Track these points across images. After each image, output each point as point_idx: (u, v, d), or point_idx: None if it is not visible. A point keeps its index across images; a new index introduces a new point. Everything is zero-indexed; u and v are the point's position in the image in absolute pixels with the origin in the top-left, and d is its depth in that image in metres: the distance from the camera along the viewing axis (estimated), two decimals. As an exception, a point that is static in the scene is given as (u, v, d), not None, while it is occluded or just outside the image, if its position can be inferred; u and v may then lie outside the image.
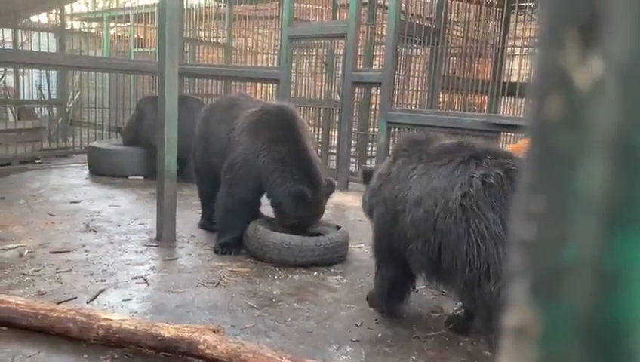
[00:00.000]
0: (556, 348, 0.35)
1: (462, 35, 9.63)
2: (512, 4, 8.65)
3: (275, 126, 4.82)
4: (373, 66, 9.08)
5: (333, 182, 4.99)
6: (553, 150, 0.34)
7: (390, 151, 3.69)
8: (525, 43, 9.58)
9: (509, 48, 10.02)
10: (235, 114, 5.17)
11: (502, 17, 9.61)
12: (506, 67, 10.20)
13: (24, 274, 4.05)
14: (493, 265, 2.66)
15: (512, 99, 10.31)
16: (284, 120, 4.89)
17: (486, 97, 9.44)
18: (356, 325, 3.58)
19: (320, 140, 8.99)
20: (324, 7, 11.05)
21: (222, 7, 11.44)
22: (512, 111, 10.50)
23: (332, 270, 4.61)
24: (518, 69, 9.97)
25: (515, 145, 4.78)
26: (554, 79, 0.34)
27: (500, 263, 2.64)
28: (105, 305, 3.63)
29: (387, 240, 3.41)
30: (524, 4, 9.36)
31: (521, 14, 9.68)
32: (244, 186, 4.80)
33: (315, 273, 4.51)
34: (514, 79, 9.75)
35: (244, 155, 4.79)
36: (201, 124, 5.58)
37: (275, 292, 4.04)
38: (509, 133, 8.16)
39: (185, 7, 11.00)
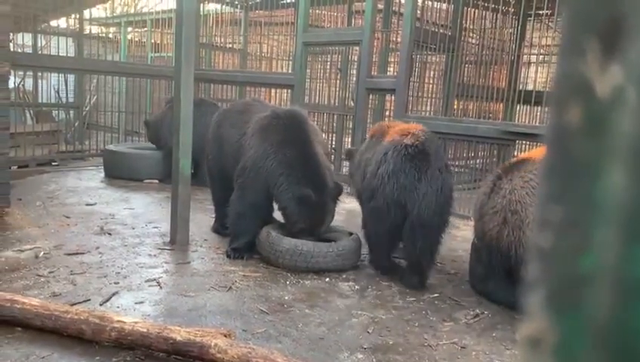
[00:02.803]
0: (573, 359, 0.35)
1: (477, 42, 9.59)
2: (529, 12, 8.60)
3: (284, 129, 4.84)
4: (388, 73, 9.07)
5: (340, 186, 4.96)
6: (573, 159, 0.34)
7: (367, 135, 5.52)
8: (541, 51, 9.52)
9: (524, 56, 9.96)
10: (247, 118, 5.20)
11: (518, 25, 9.56)
12: (522, 75, 10.14)
13: (39, 276, 4.10)
14: (376, 193, 4.47)
15: (528, 107, 10.25)
16: (293, 123, 4.90)
17: (501, 105, 9.38)
18: (367, 332, 3.56)
19: (333, 146, 9.00)
20: (339, 14, 11.09)
21: (238, 13, 11.52)
22: (527, 120, 10.43)
23: (344, 276, 4.60)
24: (534, 76, 9.91)
25: (530, 153, 4.73)
26: (574, 87, 0.34)
27: (377, 194, 4.47)
28: (118, 307, 3.65)
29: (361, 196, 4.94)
30: (540, 12, 9.31)
31: (537, 22, 9.62)
32: (254, 190, 4.81)
33: (327, 279, 4.50)
34: (530, 87, 9.69)
35: (254, 159, 4.81)
36: (214, 128, 5.61)
37: (286, 298, 4.04)
38: (524, 142, 8.11)
39: (201, 12, 11.10)
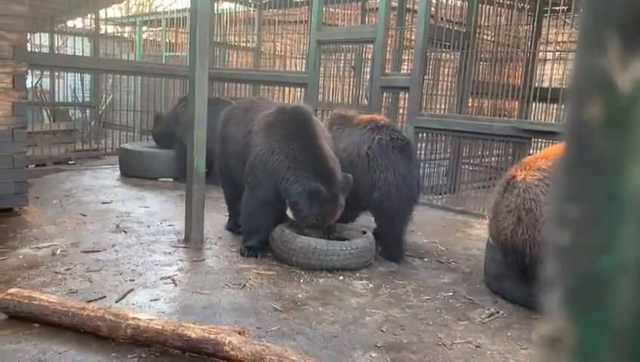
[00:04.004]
0: (592, 360, 0.34)
1: (492, 39, 9.50)
2: (544, 9, 8.49)
3: (290, 124, 4.82)
4: (402, 71, 9.03)
5: (349, 177, 4.79)
6: (593, 155, 0.33)
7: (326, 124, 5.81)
8: (557, 48, 9.41)
9: (540, 53, 9.85)
10: (253, 116, 5.19)
11: (534, 22, 9.46)
12: (538, 72, 10.03)
13: (56, 273, 4.15)
14: (378, 182, 4.92)
15: (544, 104, 10.13)
16: (298, 119, 4.88)
17: (517, 103, 9.29)
18: (381, 330, 3.55)
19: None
20: (352, 12, 11.06)
21: (252, 12, 11.55)
22: (543, 117, 10.31)
23: (357, 274, 4.59)
24: (550, 74, 9.80)
25: (548, 151, 4.68)
26: (595, 82, 0.33)
27: (380, 183, 4.92)
28: (133, 304, 3.68)
29: None
30: (556, 8, 9.19)
31: (553, 19, 9.50)
32: (263, 187, 4.78)
33: (341, 277, 4.50)
34: (545, 84, 9.59)
35: (260, 155, 4.79)
36: (220, 126, 5.60)
37: (300, 296, 4.04)
38: (540, 139, 8.02)
39: (215, 12, 11.14)
